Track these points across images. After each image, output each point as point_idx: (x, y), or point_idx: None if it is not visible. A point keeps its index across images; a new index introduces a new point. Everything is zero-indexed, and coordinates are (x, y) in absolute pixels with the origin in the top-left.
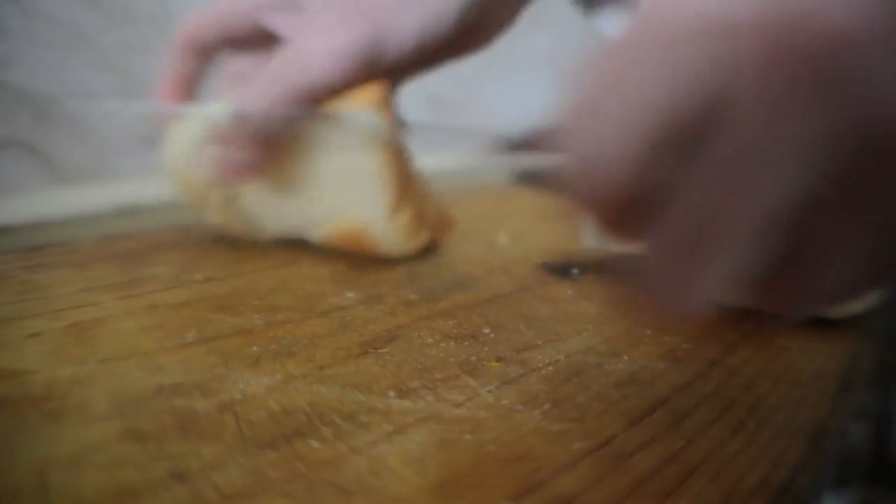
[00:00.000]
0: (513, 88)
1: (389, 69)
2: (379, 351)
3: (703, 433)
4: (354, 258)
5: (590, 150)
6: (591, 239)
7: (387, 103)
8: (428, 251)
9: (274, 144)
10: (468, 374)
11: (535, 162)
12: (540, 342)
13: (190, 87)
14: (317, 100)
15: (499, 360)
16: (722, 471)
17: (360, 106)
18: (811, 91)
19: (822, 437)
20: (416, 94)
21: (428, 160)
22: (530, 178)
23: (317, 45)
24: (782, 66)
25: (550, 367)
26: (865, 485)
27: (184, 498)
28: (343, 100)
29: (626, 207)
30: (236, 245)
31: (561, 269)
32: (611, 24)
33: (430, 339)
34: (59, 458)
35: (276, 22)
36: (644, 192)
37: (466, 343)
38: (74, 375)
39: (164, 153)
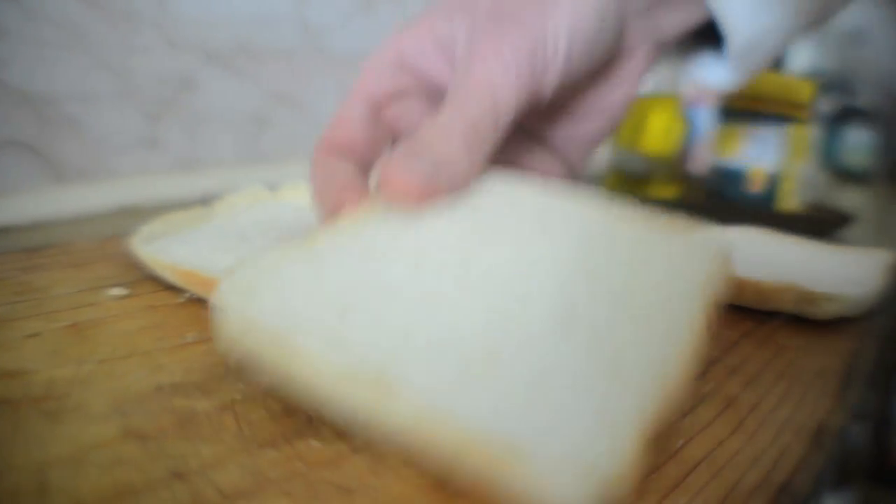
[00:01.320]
0: None
1: (552, 81)
2: None
3: (704, 431)
4: None
5: None
6: None
7: None
8: None
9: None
10: None
11: None
12: None
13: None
14: (501, 127)
15: None
16: (722, 469)
17: None
18: None
19: (823, 436)
20: None
21: None
22: None
23: (488, 67)
24: None
25: None
26: (865, 485)
27: (184, 498)
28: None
29: None
30: None
31: None
32: (710, 72)
33: None
34: (58, 458)
35: (434, 69)
36: None
37: None
38: (74, 375)
39: None
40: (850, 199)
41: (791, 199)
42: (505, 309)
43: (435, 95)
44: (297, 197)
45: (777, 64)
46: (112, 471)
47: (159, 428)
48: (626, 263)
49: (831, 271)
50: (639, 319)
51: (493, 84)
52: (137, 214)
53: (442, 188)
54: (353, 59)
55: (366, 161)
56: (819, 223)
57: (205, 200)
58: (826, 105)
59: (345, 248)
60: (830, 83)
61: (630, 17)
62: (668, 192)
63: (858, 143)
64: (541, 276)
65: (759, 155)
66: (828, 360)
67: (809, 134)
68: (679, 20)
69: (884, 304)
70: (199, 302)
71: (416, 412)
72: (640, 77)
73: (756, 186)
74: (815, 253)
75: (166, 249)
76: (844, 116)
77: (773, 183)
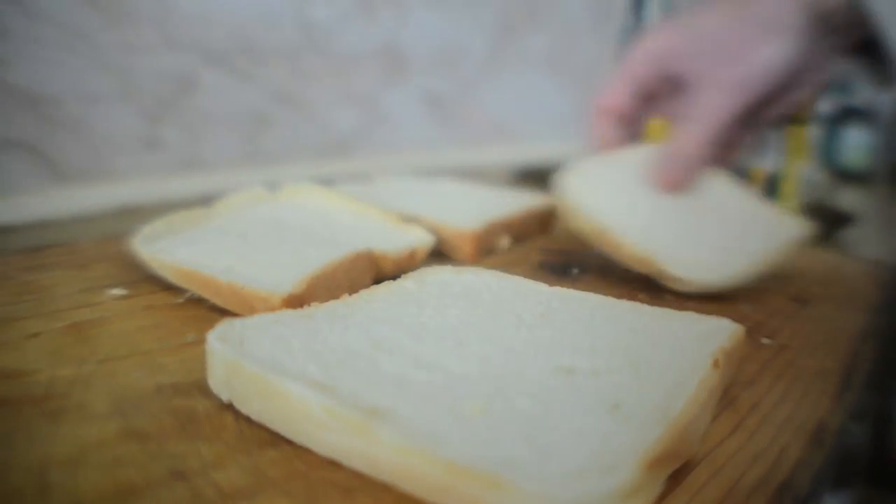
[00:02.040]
0: (513, 88)
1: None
2: None
3: (704, 431)
4: None
5: None
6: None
7: None
8: (431, 253)
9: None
10: None
11: None
12: None
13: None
14: (724, 132)
15: None
16: (722, 468)
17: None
18: None
19: (823, 435)
20: (416, 94)
21: (430, 159)
22: (531, 177)
23: (716, 96)
24: None
25: None
26: (865, 485)
27: (184, 497)
28: None
29: None
30: None
31: (561, 269)
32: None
33: None
34: (59, 458)
35: (682, 68)
36: None
37: None
38: (74, 375)
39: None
40: (850, 199)
41: (791, 199)
42: (502, 361)
43: (679, 87)
44: (298, 197)
45: None
46: (112, 470)
47: (159, 428)
48: (629, 328)
49: (713, 240)
50: (641, 368)
51: (721, 108)
52: (138, 214)
53: (690, 180)
54: (353, 59)
55: (626, 123)
56: (819, 223)
57: (206, 200)
58: (826, 105)
59: (337, 314)
60: (830, 83)
61: (815, 45)
62: None
63: (858, 143)
64: (541, 337)
65: (759, 155)
66: (827, 360)
67: (809, 134)
68: (847, 42)
69: (884, 305)
70: (199, 302)
71: (406, 444)
72: (819, 82)
73: (755, 186)
74: (731, 208)
75: (167, 249)
76: (844, 116)
77: (773, 183)
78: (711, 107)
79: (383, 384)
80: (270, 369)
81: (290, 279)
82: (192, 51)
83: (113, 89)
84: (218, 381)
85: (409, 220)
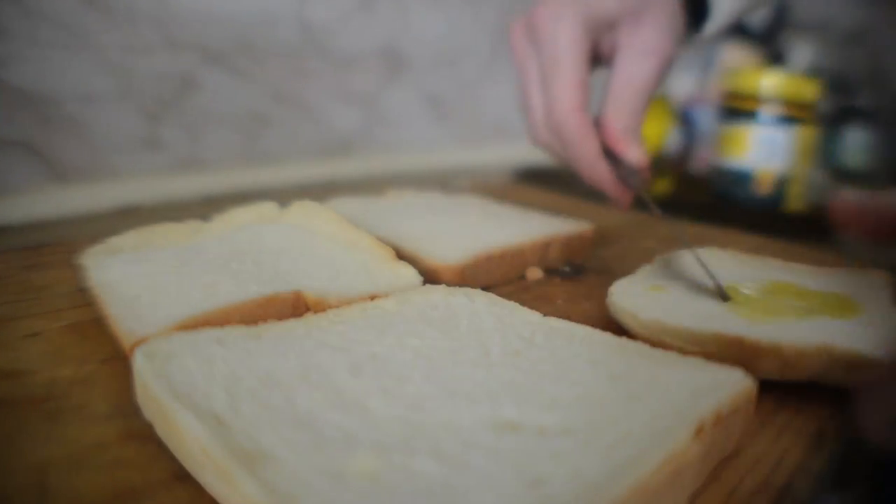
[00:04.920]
0: (513, 88)
1: None
2: None
3: None
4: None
5: None
6: None
7: None
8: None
9: None
10: None
11: None
12: None
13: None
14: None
15: None
16: (722, 471)
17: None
18: None
19: (823, 437)
20: (416, 94)
21: (430, 159)
22: (531, 176)
23: (640, 69)
24: None
25: None
26: (865, 485)
27: (184, 498)
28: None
29: None
30: None
31: (560, 269)
32: None
33: None
34: (59, 459)
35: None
36: None
37: None
38: (75, 375)
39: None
40: None
41: (799, 201)
42: (435, 407)
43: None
44: (303, 219)
45: (778, 63)
46: (112, 472)
47: None
48: (611, 375)
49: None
50: (601, 430)
51: (646, 81)
52: (137, 214)
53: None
54: (353, 59)
55: None
56: (821, 224)
57: (205, 201)
58: (826, 105)
59: (291, 335)
60: (830, 83)
61: None
62: (661, 186)
63: (858, 143)
64: (497, 380)
65: (768, 157)
66: None
67: (815, 135)
68: None
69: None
70: None
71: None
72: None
73: (764, 188)
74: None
75: (111, 266)
76: (844, 116)
77: (781, 185)
78: (640, 83)
79: (283, 423)
80: (170, 393)
81: (157, 323)
82: (192, 51)
83: (113, 89)
84: (140, 399)
85: (395, 248)
